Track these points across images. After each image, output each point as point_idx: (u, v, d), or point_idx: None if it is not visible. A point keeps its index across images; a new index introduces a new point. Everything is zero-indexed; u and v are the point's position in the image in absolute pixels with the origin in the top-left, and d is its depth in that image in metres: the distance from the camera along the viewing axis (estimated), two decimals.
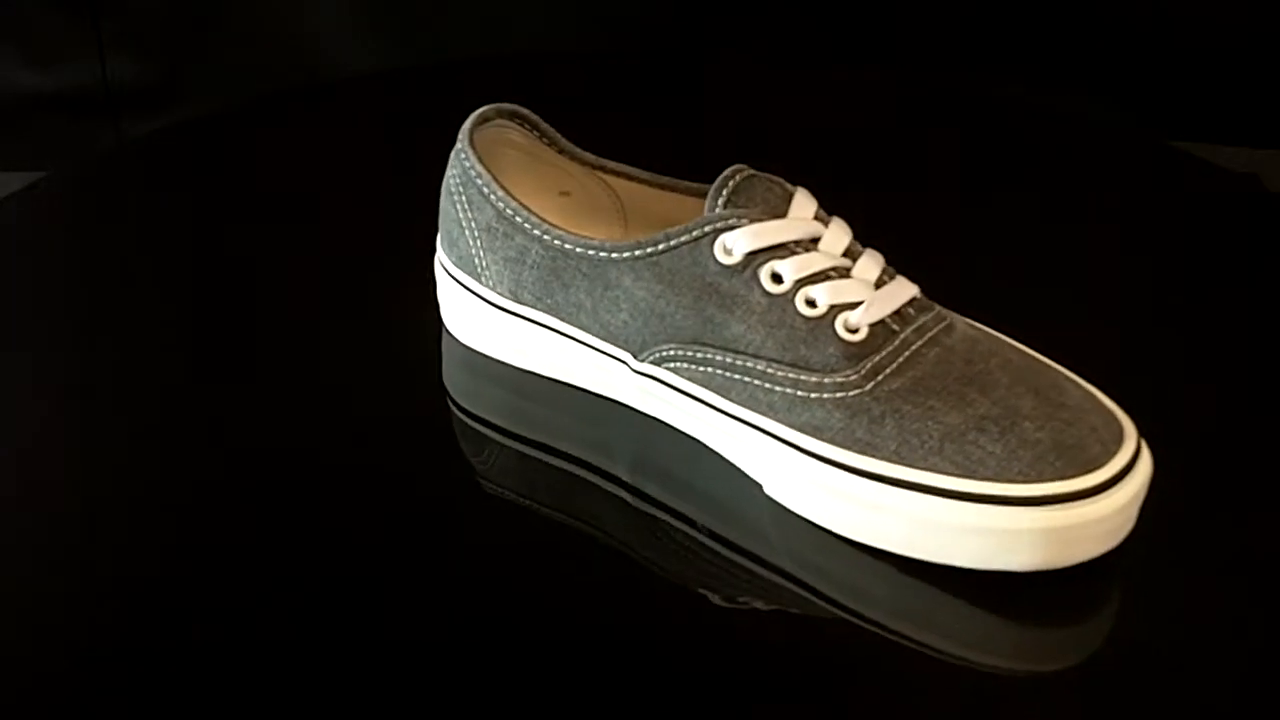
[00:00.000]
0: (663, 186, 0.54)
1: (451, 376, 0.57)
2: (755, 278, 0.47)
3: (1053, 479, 0.43)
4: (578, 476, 0.52)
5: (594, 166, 0.55)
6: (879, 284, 0.47)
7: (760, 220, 0.47)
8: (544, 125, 0.55)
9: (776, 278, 0.46)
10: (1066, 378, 0.47)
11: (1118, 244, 0.67)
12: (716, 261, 0.47)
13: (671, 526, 0.49)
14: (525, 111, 0.55)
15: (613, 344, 0.50)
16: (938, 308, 0.48)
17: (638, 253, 0.48)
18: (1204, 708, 0.43)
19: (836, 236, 0.48)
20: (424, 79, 0.86)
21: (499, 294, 0.53)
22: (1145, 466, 0.45)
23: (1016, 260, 0.65)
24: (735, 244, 0.47)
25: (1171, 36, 1.13)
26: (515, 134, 0.55)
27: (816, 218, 0.48)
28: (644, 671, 0.44)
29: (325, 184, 0.72)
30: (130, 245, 0.68)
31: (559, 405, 0.54)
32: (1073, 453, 0.43)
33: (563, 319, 0.51)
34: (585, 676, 0.43)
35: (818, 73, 0.90)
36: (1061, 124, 0.81)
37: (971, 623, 0.45)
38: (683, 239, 0.47)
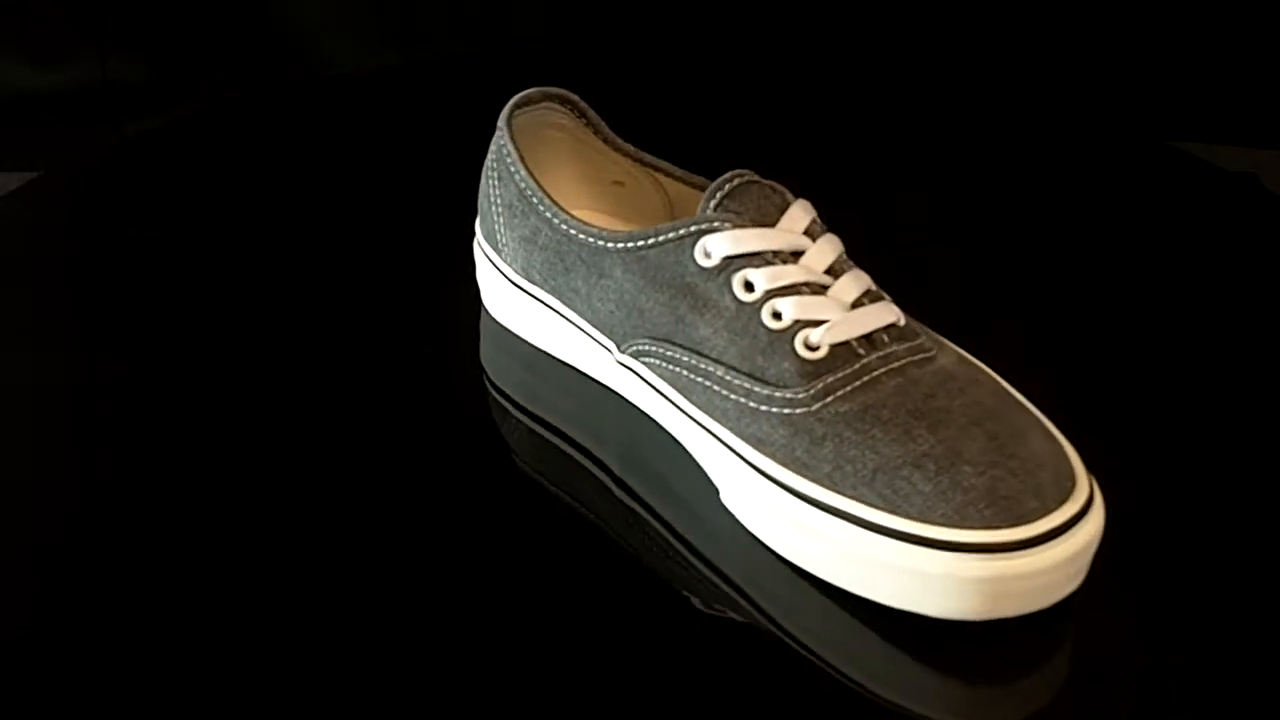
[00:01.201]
0: (695, 186, 0.54)
1: (485, 348, 0.58)
2: (728, 283, 0.46)
3: (976, 527, 0.41)
4: (575, 460, 0.53)
5: (634, 158, 0.56)
6: (856, 305, 0.46)
7: (743, 227, 0.47)
8: (591, 114, 0.56)
9: (749, 286, 0.46)
10: (1037, 427, 0.45)
11: (1117, 244, 0.67)
12: (695, 263, 0.47)
13: (644, 521, 0.49)
14: (574, 97, 0.56)
15: (602, 332, 0.51)
16: (924, 338, 0.46)
17: (629, 245, 0.49)
18: None
19: (822, 252, 0.47)
20: (426, 75, 0.88)
21: (514, 271, 0.54)
22: (1090, 528, 0.42)
23: (1015, 260, 0.65)
24: (714, 247, 0.46)
25: (1171, 36, 1.12)
26: (565, 119, 0.56)
27: (807, 231, 0.47)
28: (563, 654, 0.44)
29: (336, 178, 0.73)
30: (141, 239, 0.68)
31: (564, 386, 0.55)
32: (1005, 503, 0.41)
33: (564, 302, 0.52)
34: (509, 649, 0.44)
35: (817, 73, 0.89)
36: (1062, 124, 0.80)
37: (895, 665, 0.44)
38: (669, 236, 0.47)
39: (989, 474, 0.42)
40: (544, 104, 0.55)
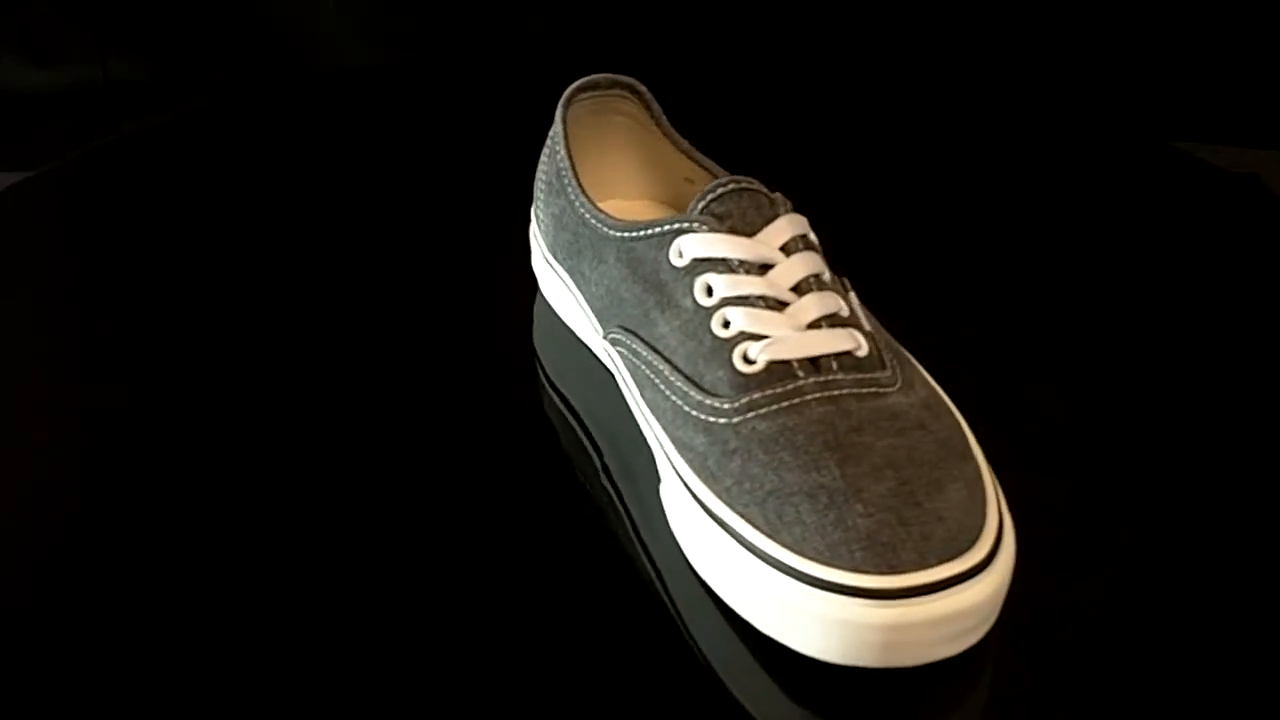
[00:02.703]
0: None
1: (536, 319, 0.60)
2: (692, 285, 0.46)
3: (843, 568, 0.40)
4: (576, 436, 0.54)
5: (687, 155, 0.56)
6: (812, 326, 0.45)
7: (720, 232, 0.46)
8: (655, 106, 0.56)
9: (709, 290, 0.46)
10: (966, 482, 0.42)
11: (1118, 245, 0.67)
12: (669, 261, 0.47)
13: (617, 509, 0.50)
14: (640, 87, 0.56)
15: (594, 315, 0.52)
16: (888, 372, 0.44)
17: (623, 235, 0.49)
18: None
19: (791, 268, 0.46)
20: (427, 73, 0.87)
21: (546, 247, 0.56)
22: (973, 593, 0.40)
23: (1015, 261, 0.65)
24: (687, 248, 0.46)
25: (1171, 36, 1.10)
26: (631, 107, 0.57)
27: (785, 246, 0.46)
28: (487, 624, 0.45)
29: (338, 175, 0.74)
30: (142, 237, 0.69)
31: (582, 363, 0.56)
32: (880, 550, 0.40)
33: (574, 282, 0.54)
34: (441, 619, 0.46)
35: (817, 74, 0.87)
36: (1062, 124, 0.80)
37: (769, 695, 0.43)
38: (654, 232, 0.48)
39: (877, 518, 0.40)
40: (613, 90, 0.56)
